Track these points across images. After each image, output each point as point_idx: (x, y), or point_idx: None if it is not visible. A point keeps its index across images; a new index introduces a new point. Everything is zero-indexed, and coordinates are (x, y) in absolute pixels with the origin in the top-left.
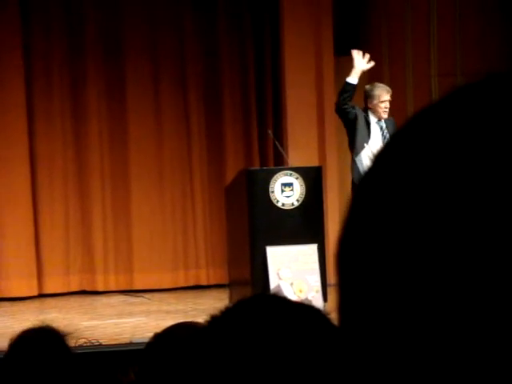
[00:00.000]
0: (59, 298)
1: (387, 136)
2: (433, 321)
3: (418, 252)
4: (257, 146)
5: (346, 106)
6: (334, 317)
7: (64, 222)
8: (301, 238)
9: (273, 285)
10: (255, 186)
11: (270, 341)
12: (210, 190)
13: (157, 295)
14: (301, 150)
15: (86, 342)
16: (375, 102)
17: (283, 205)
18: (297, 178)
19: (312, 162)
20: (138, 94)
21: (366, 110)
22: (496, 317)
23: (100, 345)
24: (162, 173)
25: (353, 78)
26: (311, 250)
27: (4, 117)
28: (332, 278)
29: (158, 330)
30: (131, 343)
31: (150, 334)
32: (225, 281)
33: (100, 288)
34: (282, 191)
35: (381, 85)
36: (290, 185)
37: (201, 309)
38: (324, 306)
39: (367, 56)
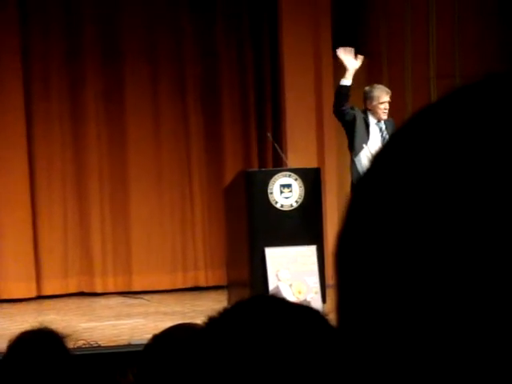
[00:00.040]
0: (57, 299)
1: (386, 137)
2: (432, 321)
3: (417, 252)
4: (255, 148)
5: (343, 108)
6: (332, 318)
7: (62, 223)
8: (300, 239)
9: (271, 286)
10: (254, 188)
11: (269, 342)
12: (208, 191)
13: (155, 297)
14: (300, 151)
15: (84, 344)
16: (374, 103)
17: (282, 206)
18: (296, 180)
19: (311, 163)
20: (137, 95)
21: (365, 111)
22: (496, 316)
23: (98, 346)
24: (160, 174)
25: (347, 80)
26: (310, 251)
27: (2, 119)
28: (331, 279)
29: (157, 331)
30: (130, 345)
31: (149, 336)
32: (223, 282)
33: (98, 290)
34: (281, 192)
35: (380, 86)
36: (288, 186)
37: (199, 310)
38: (323, 307)
39: (351, 50)
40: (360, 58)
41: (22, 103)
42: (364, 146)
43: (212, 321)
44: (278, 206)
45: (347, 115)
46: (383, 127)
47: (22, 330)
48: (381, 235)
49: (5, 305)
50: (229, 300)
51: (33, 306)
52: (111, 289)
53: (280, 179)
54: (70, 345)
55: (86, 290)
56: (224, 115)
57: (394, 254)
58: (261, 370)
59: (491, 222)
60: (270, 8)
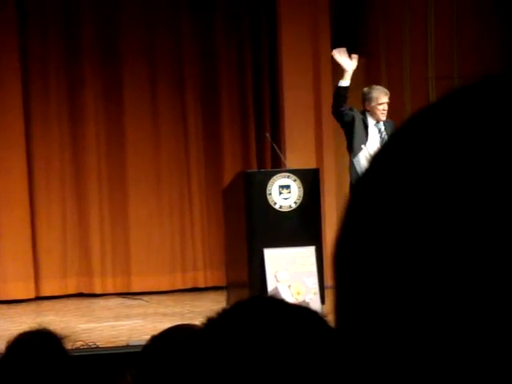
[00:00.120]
0: (56, 300)
1: (385, 138)
2: (430, 322)
3: (416, 253)
4: (254, 148)
5: (342, 109)
6: (331, 319)
7: (61, 223)
8: (298, 240)
9: (270, 287)
10: (253, 188)
11: (267, 343)
12: (207, 192)
13: (154, 298)
14: (298, 152)
15: (83, 345)
16: (373, 104)
17: (281, 207)
18: (294, 180)
19: (309, 164)
20: (135, 96)
21: (364, 112)
22: (495, 318)
23: (97, 347)
24: (159, 175)
25: (345, 81)
26: (309, 252)
27: (1, 118)
28: (330, 280)
29: (155, 332)
30: (128, 346)
31: (147, 337)
32: (222, 283)
33: (97, 290)
34: (280, 193)
35: (379, 87)
36: (287, 187)
37: (198, 311)
38: (322, 308)
39: (344, 50)
40: (354, 57)
41: (21, 103)
42: (362, 146)
43: (211, 322)
44: (276, 206)
45: (346, 116)
46: (382, 128)
47: (21, 330)
48: (379, 236)
49: (3, 306)
50: (228, 301)
51: (31, 306)
52: (110, 290)
53: (279, 180)
54: (69, 346)
55: (84, 291)
56: (223, 115)
57: (393, 255)
58: (260, 370)
59: (488, 223)
60: (269, 8)
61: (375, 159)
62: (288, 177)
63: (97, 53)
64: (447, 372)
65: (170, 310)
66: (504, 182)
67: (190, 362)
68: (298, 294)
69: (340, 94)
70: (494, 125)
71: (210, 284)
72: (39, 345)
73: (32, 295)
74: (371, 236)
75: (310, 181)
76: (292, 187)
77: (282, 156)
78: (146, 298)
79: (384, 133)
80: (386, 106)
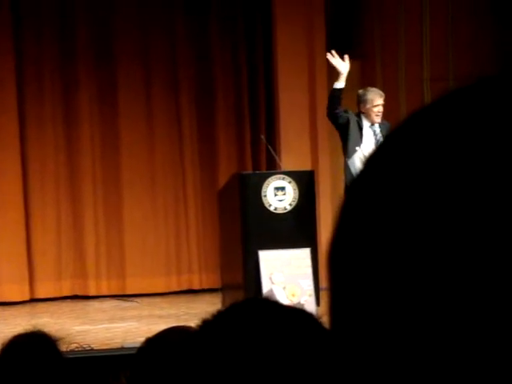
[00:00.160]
0: (51, 302)
1: (380, 140)
2: (425, 324)
3: (411, 255)
4: (249, 150)
5: (336, 111)
6: (326, 321)
7: (56, 226)
8: (293, 242)
9: (265, 289)
10: (248, 190)
11: (262, 345)
12: (202, 194)
13: (149, 300)
14: (293, 153)
15: (77, 347)
16: (368, 106)
17: (276, 209)
18: (289, 182)
19: (305, 165)
20: (130, 98)
21: (359, 114)
22: (495, 319)
23: (92, 350)
24: (154, 177)
25: (340, 83)
26: (304, 254)
27: None
28: (325, 282)
29: (150, 334)
30: (123, 348)
31: (142, 339)
32: (217, 285)
33: (92, 293)
34: (275, 195)
35: (374, 89)
36: (282, 189)
37: (193, 313)
38: (317, 310)
39: (335, 53)
40: (346, 58)
41: (16, 106)
42: (357, 148)
43: (206, 323)
44: (271, 208)
45: (340, 118)
46: (377, 130)
47: (15, 333)
48: (374, 238)
49: None
50: (223, 303)
51: (26, 308)
52: (105, 292)
53: (274, 182)
54: (63, 348)
55: (79, 293)
56: (218, 117)
57: (388, 256)
58: (255, 372)
59: (481, 225)
60: (264, 10)
61: (370, 161)
62: (283, 178)
63: (91, 55)
64: (443, 373)
65: (165, 312)
66: (498, 184)
67: (185, 364)
68: (293, 295)
69: (335, 96)
70: (489, 126)
71: (205, 286)
72: (34, 347)
73: (26, 297)
74: (366, 238)
75: (305, 183)
76: (287, 189)
77: (277, 158)
78: (140, 300)
79: (379, 135)
80: (380, 108)
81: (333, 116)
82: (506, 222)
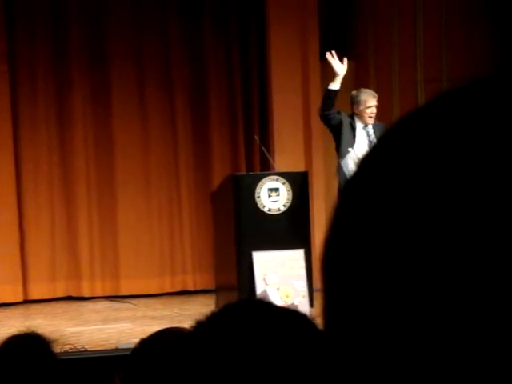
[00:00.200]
0: (45, 303)
1: (374, 141)
2: (420, 325)
3: (404, 256)
4: (243, 151)
5: (329, 112)
6: (319, 322)
7: (49, 227)
8: (287, 243)
9: (259, 290)
10: (241, 191)
11: (256, 346)
12: (196, 195)
13: (143, 301)
14: (287, 154)
15: (71, 348)
16: (361, 107)
17: (270, 210)
18: (283, 183)
19: (298, 166)
20: (124, 99)
21: (352, 115)
22: (494, 323)
23: (86, 351)
24: (148, 178)
25: (335, 85)
26: (298, 255)
27: None
28: (319, 283)
29: (144, 335)
30: (117, 349)
31: (136, 340)
32: (211, 286)
33: (86, 294)
34: (269, 196)
35: (367, 90)
36: (276, 190)
37: (187, 314)
38: (310, 311)
39: (335, 54)
40: (345, 61)
41: (9, 106)
42: (350, 149)
43: (200, 325)
44: (265, 209)
45: (333, 120)
46: (370, 131)
47: (9, 334)
48: (368, 239)
49: None
50: (216, 304)
51: (20, 310)
52: (99, 293)
53: (268, 183)
54: (57, 349)
55: (73, 294)
56: (211, 118)
57: (381, 257)
58: (248, 373)
59: (474, 227)
60: (258, 11)
61: (363, 162)
62: (277, 180)
63: (85, 56)
64: (439, 374)
65: (159, 314)
66: (493, 185)
67: (179, 365)
68: (287, 296)
69: (329, 97)
70: (483, 127)
71: (198, 287)
72: (27, 348)
73: (20, 298)
74: (360, 239)
75: (299, 184)
76: (281, 190)
77: (270, 159)
78: (134, 301)
79: (372, 136)
80: (374, 110)
81: (325, 117)
82: (495, 223)
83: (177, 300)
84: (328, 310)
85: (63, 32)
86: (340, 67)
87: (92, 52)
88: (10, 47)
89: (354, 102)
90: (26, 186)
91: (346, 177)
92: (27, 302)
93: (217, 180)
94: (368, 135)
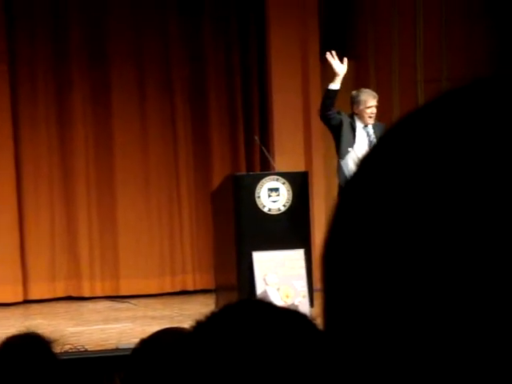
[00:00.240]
0: (45, 303)
1: (374, 141)
2: (421, 325)
3: (405, 256)
4: (243, 151)
5: (329, 113)
6: (319, 322)
7: (49, 227)
8: (287, 243)
9: (259, 290)
10: (241, 191)
11: (256, 346)
12: (196, 195)
13: (143, 301)
14: (287, 154)
15: (71, 348)
16: (361, 107)
17: (270, 210)
18: (283, 183)
19: (298, 166)
20: (124, 99)
21: (352, 115)
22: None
23: (86, 351)
24: (147, 178)
25: (335, 85)
26: (298, 255)
27: None
28: (319, 283)
29: (144, 335)
30: (117, 349)
31: (136, 340)
32: (211, 286)
33: (86, 294)
34: (269, 196)
35: (367, 90)
36: (276, 190)
37: (187, 314)
38: (311, 311)
39: (335, 54)
40: (345, 61)
41: (9, 107)
42: (349, 149)
43: (200, 325)
44: (265, 209)
45: (333, 120)
46: (370, 131)
47: (9, 334)
48: (368, 240)
49: None
50: (216, 304)
51: (20, 310)
52: (99, 293)
53: (268, 183)
54: (57, 349)
55: (73, 294)
56: (211, 118)
57: (382, 258)
58: (248, 373)
59: (475, 228)
60: (258, 11)
61: (363, 163)
62: (277, 180)
63: (85, 56)
64: (438, 374)
65: (159, 313)
66: (492, 185)
67: (179, 365)
68: (287, 297)
69: (329, 97)
70: (484, 127)
71: (198, 287)
72: (27, 348)
73: (20, 298)
74: (360, 239)
75: (299, 184)
76: (281, 190)
77: (270, 159)
78: (134, 301)
79: (372, 136)
80: (374, 110)
81: (325, 117)
82: (494, 224)
83: (177, 300)
84: (328, 310)
85: (63, 32)
86: (340, 67)
87: (92, 52)
88: (10, 47)
89: (354, 102)
90: (26, 187)
91: (345, 177)
92: (27, 301)
93: (217, 180)
94: (368, 135)
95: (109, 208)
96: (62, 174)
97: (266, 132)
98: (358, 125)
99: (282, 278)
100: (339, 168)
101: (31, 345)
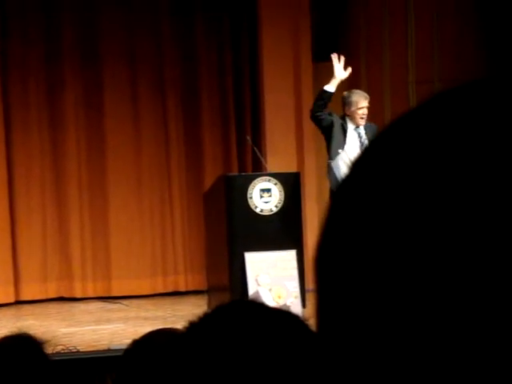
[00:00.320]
0: (36, 304)
1: (365, 142)
2: (412, 326)
3: (396, 257)
4: (235, 152)
5: (319, 114)
6: (312, 323)
7: (41, 228)
8: (279, 243)
9: (251, 291)
10: (233, 192)
11: (249, 347)
12: (188, 196)
13: (135, 301)
14: (279, 155)
15: (63, 349)
16: (353, 108)
17: (262, 210)
18: (275, 184)
19: (290, 167)
20: (116, 99)
21: (343, 116)
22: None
23: (78, 352)
24: (140, 179)
25: (330, 87)
26: (290, 255)
27: None
28: (311, 283)
29: (137, 336)
30: (109, 350)
31: (129, 341)
32: (203, 287)
33: (78, 295)
34: (261, 197)
35: (358, 91)
36: (268, 190)
37: (179, 315)
38: (303, 311)
39: (342, 60)
40: (349, 70)
41: (1, 109)
42: (340, 151)
43: (192, 325)
44: (257, 210)
45: (324, 121)
46: (362, 132)
47: (0, 335)
48: (360, 241)
49: None
50: (209, 305)
51: (11, 311)
52: (91, 294)
53: (260, 184)
54: (49, 350)
55: (65, 295)
56: (203, 119)
57: (374, 259)
58: (241, 374)
59: (467, 231)
60: (250, 11)
61: (355, 165)
62: (269, 180)
63: (77, 56)
64: (431, 375)
65: (152, 314)
66: (484, 187)
67: (171, 365)
68: (279, 297)
69: (322, 98)
70: (476, 129)
71: (190, 288)
72: (19, 349)
73: (12, 299)
74: (353, 240)
75: (291, 184)
76: (273, 191)
77: (262, 159)
78: (126, 301)
79: (364, 137)
80: (365, 111)
81: (316, 118)
82: (483, 228)
83: (169, 301)
84: (321, 310)
85: (55, 32)
86: (340, 72)
87: (84, 52)
88: (2, 47)
89: (346, 103)
90: (18, 190)
91: (336, 178)
92: (19, 302)
93: (209, 180)
94: (359, 136)
95: (101, 209)
96: (54, 177)
97: (257, 132)
98: (350, 126)
99: (274, 278)
100: (329, 169)
101: (23, 346)
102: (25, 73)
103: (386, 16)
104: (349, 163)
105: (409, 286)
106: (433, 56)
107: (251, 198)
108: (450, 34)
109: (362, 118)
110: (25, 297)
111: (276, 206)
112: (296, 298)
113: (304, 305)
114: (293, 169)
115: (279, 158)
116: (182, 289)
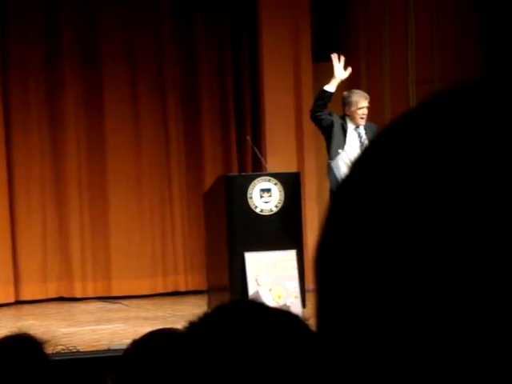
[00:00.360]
0: (36, 304)
1: (365, 142)
2: (411, 326)
3: (396, 257)
4: (235, 152)
5: (319, 114)
6: (312, 323)
7: (41, 228)
8: (279, 243)
9: (251, 291)
10: (233, 192)
11: (249, 347)
12: (188, 196)
13: (135, 301)
14: (279, 155)
15: (63, 349)
16: (353, 108)
17: (262, 211)
18: (275, 184)
19: (290, 167)
20: (116, 99)
21: (343, 116)
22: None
23: (78, 352)
24: (140, 179)
25: (330, 87)
26: (290, 255)
27: None
28: (311, 283)
29: (137, 336)
30: (109, 350)
31: (129, 341)
32: (203, 287)
33: (78, 295)
34: (261, 197)
35: (358, 91)
36: (268, 190)
37: (179, 315)
38: (303, 311)
39: (342, 60)
40: (349, 70)
41: (1, 109)
42: (340, 151)
43: (192, 325)
44: (257, 210)
45: (324, 121)
46: (362, 132)
47: (0, 335)
48: (361, 241)
49: None
50: (209, 305)
51: (11, 311)
52: (91, 294)
53: (260, 184)
54: (49, 350)
55: (65, 295)
56: (203, 119)
57: (373, 260)
58: (241, 374)
59: (467, 231)
60: (250, 11)
61: (356, 164)
62: (269, 180)
63: (77, 56)
64: (431, 375)
65: (152, 314)
66: (487, 186)
67: (172, 365)
68: (279, 297)
69: (322, 98)
70: (476, 129)
71: (190, 288)
72: (19, 349)
73: (12, 299)
74: (353, 240)
75: (291, 184)
76: (273, 191)
77: (262, 159)
78: (126, 301)
79: (364, 137)
80: (365, 111)
81: (316, 118)
82: (481, 229)
83: (169, 301)
84: (321, 310)
85: (55, 32)
86: (340, 72)
87: (84, 52)
88: (2, 47)
89: (346, 103)
90: (18, 190)
91: (336, 179)
92: (19, 302)
93: (209, 180)
94: (359, 136)
95: (101, 209)
96: (54, 177)
97: (257, 132)
98: (350, 126)
99: (274, 278)
100: (329, 169)
101: (23, 346)
102: (25, 73)
103: (386, 16)
104: (349, 163)
105: (409, 286)
106: (433, 56)
107: (251, 197)
108: (450, 34)
109: (362, 118)
110: (25, 297)
111: (276, 206)
112: (296, 297)
113: (304, 305)
114: (293, 169)
115: (279, 158)
116: (182, 289)
